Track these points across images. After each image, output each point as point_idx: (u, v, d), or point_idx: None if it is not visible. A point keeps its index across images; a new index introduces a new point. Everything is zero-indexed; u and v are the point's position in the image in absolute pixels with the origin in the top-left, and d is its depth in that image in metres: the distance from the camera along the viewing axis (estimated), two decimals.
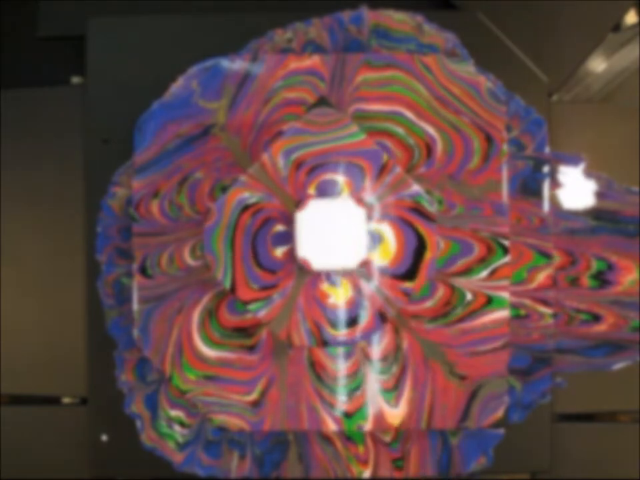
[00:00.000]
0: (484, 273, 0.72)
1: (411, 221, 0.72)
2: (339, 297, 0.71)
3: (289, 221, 0.71)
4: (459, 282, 0.72)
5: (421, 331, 0.72)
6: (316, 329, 0.72)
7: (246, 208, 0.72)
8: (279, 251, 0.72)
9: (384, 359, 0.72)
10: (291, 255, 0.71)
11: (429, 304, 0.72)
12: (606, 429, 0.76)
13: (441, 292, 0.72)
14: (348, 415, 0.72)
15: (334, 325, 0.71)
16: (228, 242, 0.72)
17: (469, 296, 0.72)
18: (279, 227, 0.72)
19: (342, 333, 0.72)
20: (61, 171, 0.77)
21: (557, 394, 0.74)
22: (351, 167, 0.72)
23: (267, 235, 0.72)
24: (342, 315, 0.71)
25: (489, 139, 0.73)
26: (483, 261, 0.72)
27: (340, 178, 0.72)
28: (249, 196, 0.72)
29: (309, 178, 0.72)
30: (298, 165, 0.72)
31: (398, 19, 0.74)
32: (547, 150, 0.74)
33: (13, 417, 0.76)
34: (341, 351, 0.72)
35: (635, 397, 0.75)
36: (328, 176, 0.72)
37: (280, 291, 0.72)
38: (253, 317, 0.72)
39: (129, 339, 0.73)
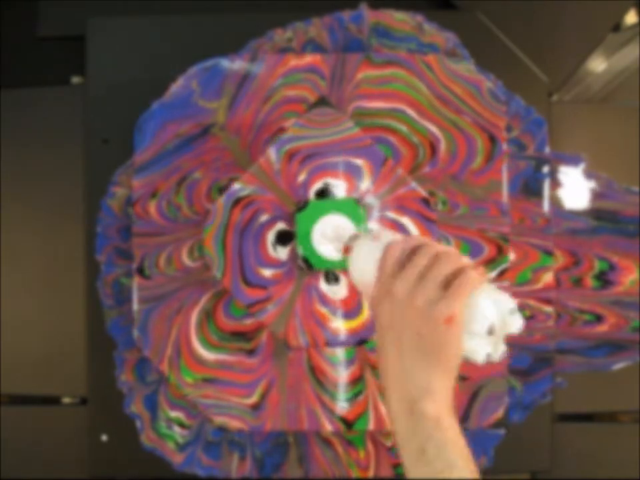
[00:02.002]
0: (492, 274, 0.71)
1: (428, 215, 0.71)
2: (341, 325, 0.70)
3: (286, 217, 0.70)
4: None
5: None
6: (313, 341, 0.70)
7: (237, 202, 0.71)
8: (268, 271, 0.71)
9: None
10: (287, 260, 0.70)
11: None
12: (606, 428, 0.75)
13: None
14: (348, 424, 0.71)
15: (333, 348, 0.71)
16: (219, 242, 0.71)
17: None
18: (275, 227, 0.71)
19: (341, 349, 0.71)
20: (60, 171, 0.75)
21: (557, 394, 0.73)
22: (349, 163, 0.71)
23: (260, 240, 0.71)
24: (343, 339, 0.70)
25: (492, 139, 0.72)
26: (492, 262, 0.71)
27: (339, 172, 0.71)
28: (240, 188, 0.71)
29: (301, 166, 0.71)
30: (290, 156, 0.71)
31: (398, 18, 0.73)
32: (547, 150, 0.72)
33: (13, 417, 0.75)
34: (342, 358, 0.71)
35: (635, 397, 0.73)
36: (325, 167, 0.71)
37: (275, 301, 0.70)
38: (251, 322, 0.71)
39: (129, 339, 0.72)
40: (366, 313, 0.70)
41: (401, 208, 0.71)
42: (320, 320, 0.70)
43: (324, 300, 0.70)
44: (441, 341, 0.43)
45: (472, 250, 0.71)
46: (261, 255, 0.71)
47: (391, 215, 0.71)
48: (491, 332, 0.43)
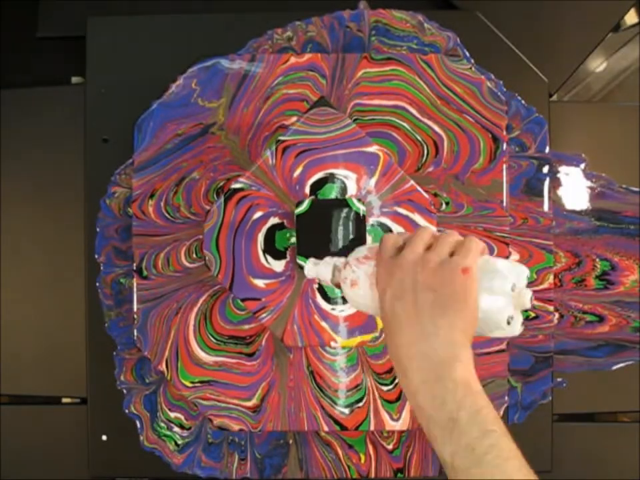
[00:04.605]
0: None
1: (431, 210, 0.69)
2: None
3: (282, 214, 0.68)
4: None
5: None
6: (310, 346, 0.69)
7: (231, 197, 0.68)
8: (261, 282, 0.68)
9: (388, 371, 0.68)
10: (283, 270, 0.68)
11: None
12: (606, 428, 0.73)
13: None
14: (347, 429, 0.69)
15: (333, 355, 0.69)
16: (213, 241, 0.69)
17: None
18: (268, 223, 0.69)
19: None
20: (60, 171, 0.74)
21: (557, 394, 0.71)
22: (361, 153, 0.69)
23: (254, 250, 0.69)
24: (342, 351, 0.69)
25: (494, 139, 0.70)
26: None
27: (340, 169, 0.69)
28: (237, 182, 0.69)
29: (296, 161, 0.68)
30: (284, 149, 0.68)
31: (398, 17, 0.71)
32: (547, 150, 0.71)
33: (13, 417, 0.73)
34: (343, 364, 0.69)
35: (635, 397, 0.72)
36: (322, 166, 0.69)
37: (271, 309, 0.68)
38: (250, 327, 0.69)
39: (128, 340, 0.70)
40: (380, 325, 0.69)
41: (410, 203, 0.69)
42: (319, 333, 0.68)
43: (324, 314, 0.68)
44: (459, 291, 0.41)
45: None
46: (253, 264, 0.68)
47: (402, 210, 0.69)
48: (513, 290, 0.42)
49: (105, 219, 0.71)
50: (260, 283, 0.68)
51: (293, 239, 0.67)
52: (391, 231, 0.69)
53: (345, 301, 0.67)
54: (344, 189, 0.68)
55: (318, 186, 0.69)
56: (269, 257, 0.68)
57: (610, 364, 0.71)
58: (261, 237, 0.68)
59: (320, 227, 0.66)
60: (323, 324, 0.68)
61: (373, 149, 0.68)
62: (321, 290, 0.68)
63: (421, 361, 0.41)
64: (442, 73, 0.70)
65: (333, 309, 0.68)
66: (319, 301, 0.68)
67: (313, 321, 0.68)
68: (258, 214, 0.68)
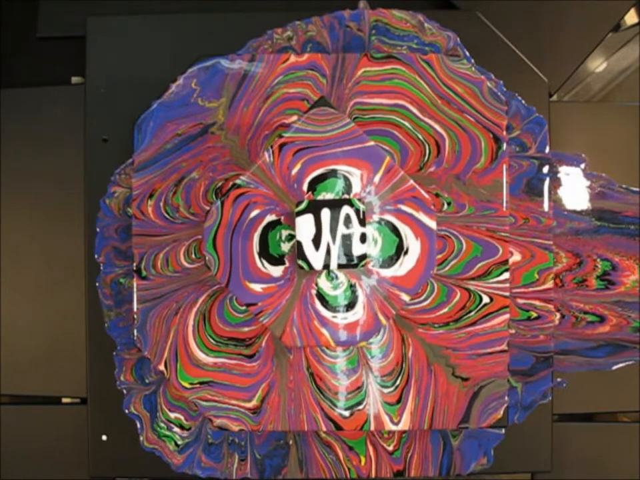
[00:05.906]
0: (505, 275, 0.68)
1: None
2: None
3: (280, 212, 0.67)
4: (475, 285, 0.68)
5: (427, 337, 0.68)
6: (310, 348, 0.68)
7: (228, 195, 0.67)
8: (258, 287, 0.67)
9: (389, 373, 0.68)
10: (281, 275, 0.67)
11: (444, 311, 0.68)
12: (606, 428, 0.72)
13: (457, 297, 0.68)
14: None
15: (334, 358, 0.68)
16: (210, 241, 0.68)
17: (485, 299, 0.68)
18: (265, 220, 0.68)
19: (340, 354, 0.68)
20: (60, 171, 0.73)
21: (557, 394, 0.70)
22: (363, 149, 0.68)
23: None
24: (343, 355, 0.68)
25: (496, 139, 0.69)
26: (504, 263, 0.68)
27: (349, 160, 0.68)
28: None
29: (294, 159, 0.67)
30: (280, 147, 0.67)
31: (398, 17, 0.70)
32: (547, 150, 0.70)
33: (13, 417, 0.73)
34: (344, 367, 0.68)
35: (635, 397, 0.71)
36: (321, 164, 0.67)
37: (269, 312, 0.67)
38: (249, 330, 0.68)
39: (128, 340, 0.69)
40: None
41: (413, 201, 0.68)
42: (319, 338, 0.67)
43: (323, 321, 0.67)
44: None
45: (484, 251, 0.68)
46: (249, 268, 0.67)
47: (405, 208, 0.67)
48: None
49: (105, 219, 0.70)
50: (257, 287, 0.67)
51: (284, 245, 0.66)
52: (395, 229, 0.67)
53: (347, 308, 0.66)
54: (349, 185, 0.67)
55: (320, 181, 0.67)
56: (265, 262, 0.67)
57: (610, 364, 0.70)
58: (256, 237, 0.67)
59: (320, 227, 0.65)
60: (323, 330, 0.66)
61: (375, 145, 0.67)
62: (320, 296, 0.67)
63: None
64: (442, 73, 0.69)
65: (334, 317, 0.66)
66: (319, 308, 0.67)
67: (312, 327, 0.66)
68: (255, 212, 0.67)
